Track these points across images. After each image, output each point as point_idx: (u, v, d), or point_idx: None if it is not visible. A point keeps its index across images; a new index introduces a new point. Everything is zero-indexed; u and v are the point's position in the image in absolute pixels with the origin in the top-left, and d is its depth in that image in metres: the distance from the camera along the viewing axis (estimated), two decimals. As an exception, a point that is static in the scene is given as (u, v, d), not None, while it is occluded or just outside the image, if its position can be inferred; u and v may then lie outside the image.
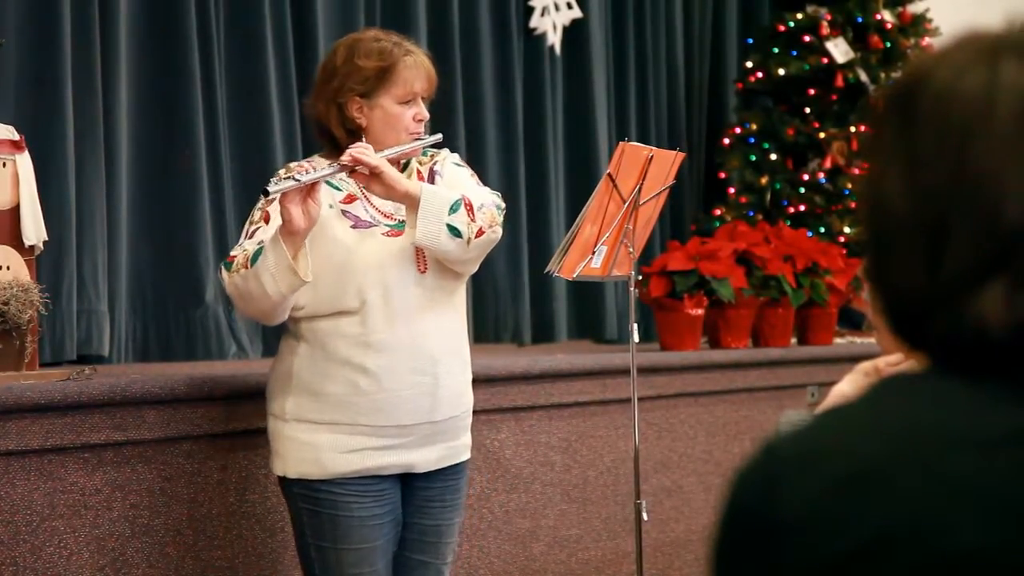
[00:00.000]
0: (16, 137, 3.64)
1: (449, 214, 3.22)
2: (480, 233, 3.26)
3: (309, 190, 3.16)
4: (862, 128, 6.78)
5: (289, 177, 3.16)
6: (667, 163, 4.05)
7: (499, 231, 3.33)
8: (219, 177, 5.01)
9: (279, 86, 5.21)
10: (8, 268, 3.57)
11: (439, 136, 3.47)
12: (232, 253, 3.31)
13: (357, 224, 3.33)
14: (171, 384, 3.61)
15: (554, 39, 6.33)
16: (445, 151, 3.51)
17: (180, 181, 4.90)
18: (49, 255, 4.19)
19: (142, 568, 3.54)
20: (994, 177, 0.97)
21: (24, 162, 3.63)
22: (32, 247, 3.63)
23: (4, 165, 3.59)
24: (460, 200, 3.24)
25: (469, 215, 3.24)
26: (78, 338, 4.53)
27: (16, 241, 3.59)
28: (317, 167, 3.26)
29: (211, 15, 5.00)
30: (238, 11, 5.15)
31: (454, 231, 3.22)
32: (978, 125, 0.99)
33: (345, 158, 3.21)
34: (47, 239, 3.71)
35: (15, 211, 3.59)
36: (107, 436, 3.48)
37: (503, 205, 3.39)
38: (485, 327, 5.99)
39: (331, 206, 3.32)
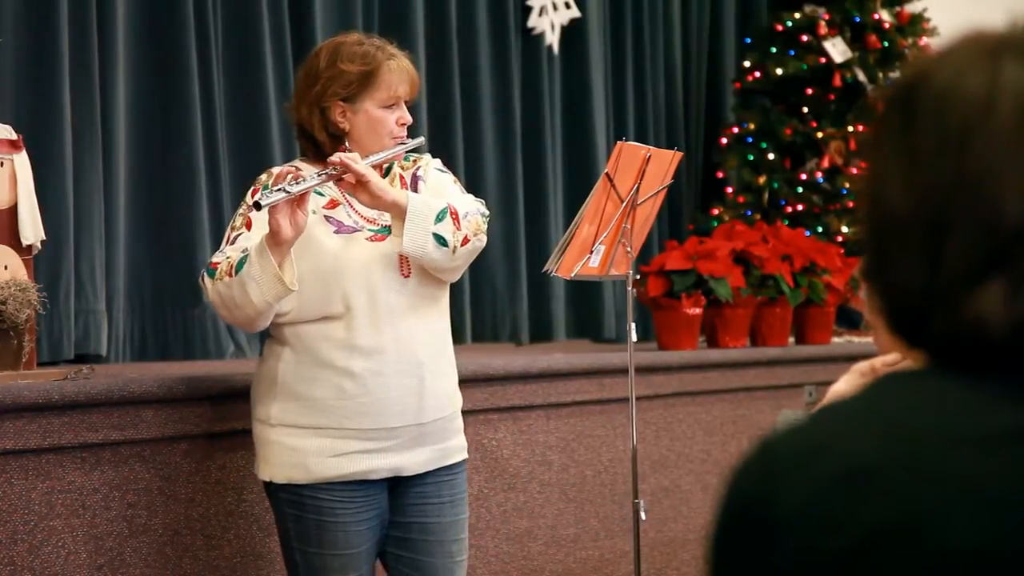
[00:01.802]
0: (14, 137, 3.64)
1: (435, 223, 3.23)
2: (466, 241, 3.27)
3: (298, 200, 3.17)
4: (860, 128, 6.78)
5: (280, 189, 3.14)
6: (665, 162, 4.06)
7: (484, 239, 3.34)
8: (217, 176, 5.01)
9: (277, 85, 5.20)
10: (6, 268, 3.56)
11: (422, 139, 3.46)
12: (214, 260, 3.29)
13: (340, 229, 3.33)
14: (169, 383, 3.60)
15: (552, 39, 6.33)
16: (427, 156, 3.51)
17: (178, 180, 4.90)
18: (47, 254, 4.18)
19: (140, 568, 3.54)
20: (994, 176, 0.97)
21: (22, 161, 3.63)
22: (30, 246, 3.63)
23: (2, 165, 3.58)
24: (446, 209, 3.25)
25: (455, 224, 3.25)
26: (76, 337, 4.53)
27: (14, 240, 3.59)
28: (304, 174, 3.23)
29: (209, 14, 5.00)
30: (236, 10, 5.15)
31: (440, 240, 3.23)
32: (979, 124, 0.99)
33: (331, 168, 3.21)
34: (45, 238, 3.70)
35: (13, 211, 3.59)
36: (105, 436, 3.48)
37: (487, 212, 3.39)
38: (483, 326, 5.99)
39: (314, 212, 3.31)
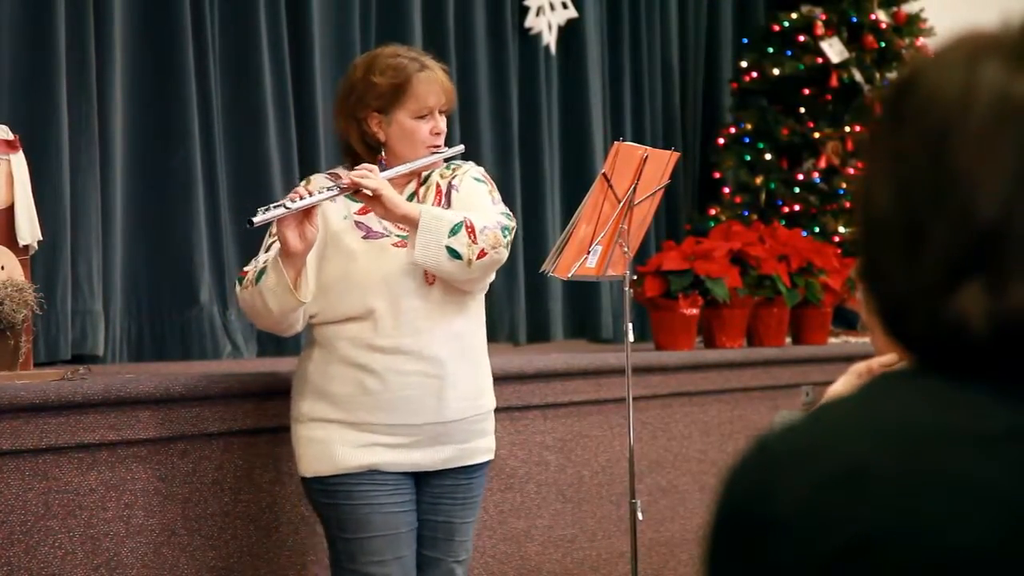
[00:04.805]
0: (11, 137, 3.64)
1: (449, 236, 3.29)
2: (482, 255, 3.32)
3: (305, 214, 3.28)
4: (857, 128, 6.78)
5: (279, 205, 3.26)
6: (662, 163, 4.06)
7: (503, 252, 3.39)
8: (214, 178, 5.00)
9: (274, 85, 5.20)
10: (3, 268, 3.56)
11: (460, 148, 3.56)
12: (245, 268, 3.43)
13: (369, 235, 3.42)
14: (166, 384, 3.61)
15: (549, 39, 6.32)
16: (468, 165, 3.58)
17: (175, 181, 4.90)
18: (44, 255, 4.18)
19: (136, 568, 3.54)
20: (969, 175, 0.98)
21: (19, 162, 3.63)
22: (27, 247, 3.63)
23: (-1, 165, 3.59)
24: (461, 223, 3.31)
25: (470, 237, 3.30)
26: (73, 338, 4.53)
27: (11, 241, 3.59)
28: (313, 187, 3.33)
29: (206, 14, 4.99)
30: (233, 10, 5.14)
31: (453, 253, 3.29)
32: (955, 124, 0.99)
33: (344, 182, 3.32)
34: (42, 239, 3.71)
35: (10, 211, 3.59)
36: (102, 436, 3.48)
37: (512, 225, 3.45)
38: (480, 327, 5.99)
39: (345, 217, 3.43)
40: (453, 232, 3.29)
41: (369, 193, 3.28)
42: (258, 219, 3.22)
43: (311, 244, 3.29)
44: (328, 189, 3.33)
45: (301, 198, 3.26)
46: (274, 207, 3.25)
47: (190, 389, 3.64)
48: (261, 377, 3.82)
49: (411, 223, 3.29)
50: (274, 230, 3.40)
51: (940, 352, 1.00)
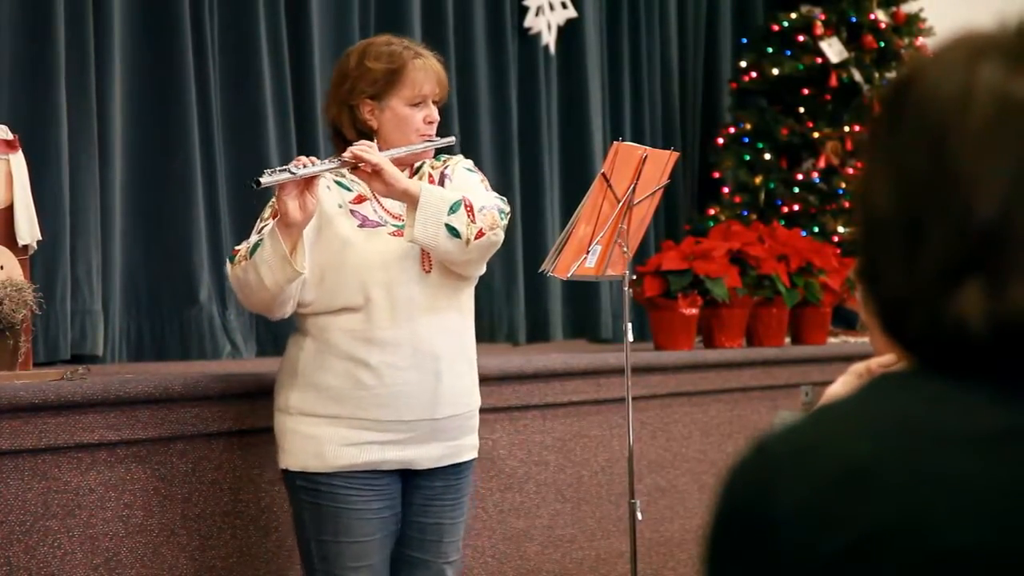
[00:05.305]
0: (10, 137, 3.64)
1: (448, 214, 3.27)
2: (480, 234, 3.31)
3: (306, 184, 3.24)
4: (856, 128, 6.78)
5: (285, 169, 3.23)
6: (661, 163, 4.06)
7: (501, 234, 3.39)
8: (213, 177, 5.00)
9: (273, 85, 5.20)
10: (2, 268, 3.56)
11: (451, 139, 3.56)
12: (237, 247, 3.39)
13: (364, 223, 3.40)
14: (165, 384, 3.60)
15: (549, 39, 6.32)
16: (458, 156, 3.59)
17: (174, 180, 4.90)
18: (43, 254, 4.18)
19: (136, 568, 3.54)
20: (967, 176, 0.98)
21: (18, 161, 3.63)
22: (26, 247, 3.63)
23: (-2, 164, 3.59)
24: (460, 201, 3.30)
25: (469, 216, 3.29)
26: (72, 338, 4.53)
27: (10, 240, 3.59)
28: (315, 159, 3.32)
29: (205, 14, 4.99)
30: (232, 10, 5.14)
31: (453, 231, 3.27)
32: (954, 124, 0.99)
33: (346, 155, 3.30)
34: (41, 238, 3.71)
35: (9, 210, 3.59)
36: (101, 436, 3.48)
37: (507, 210, 3.44)
38: (480, 326, 5.92)
39: (340, 206, 3.40)
40: (452, 210, 3.27)
41: (368, 169, 3.26)
42: (265, 180, 3.19)
43: (310, 215, 3.26)
44: (330, 160, 3.32)
45: (305, 166, 3.24)
46: (279, 170, 3.22)
47: (189, 389, 3.64)
48: (260, 377, 3.81)
49: (411, 199, 3.26)
50: (267, 213, 3.39)
51: (939, 352, 1.00)
